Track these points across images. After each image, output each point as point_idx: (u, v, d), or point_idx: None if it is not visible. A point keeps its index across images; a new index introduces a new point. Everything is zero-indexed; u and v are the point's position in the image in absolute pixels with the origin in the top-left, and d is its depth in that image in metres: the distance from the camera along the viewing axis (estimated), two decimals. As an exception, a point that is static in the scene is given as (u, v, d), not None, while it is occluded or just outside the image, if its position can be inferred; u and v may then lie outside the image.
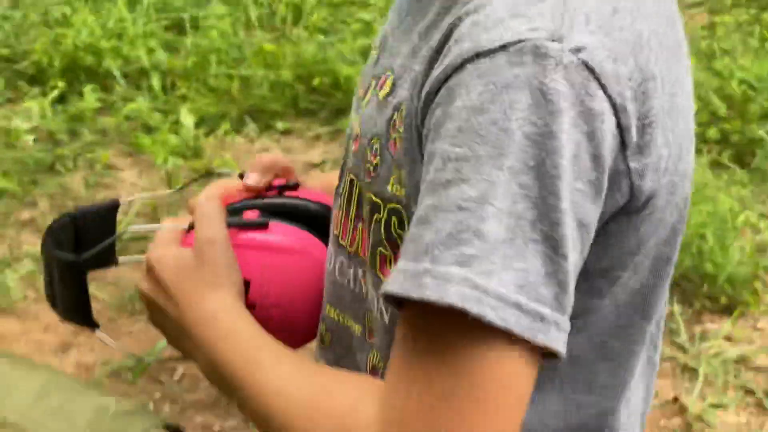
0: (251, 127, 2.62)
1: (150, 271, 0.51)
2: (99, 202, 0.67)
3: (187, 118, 2.61)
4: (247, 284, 0.53)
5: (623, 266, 0.45)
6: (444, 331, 0.37)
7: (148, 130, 2.59)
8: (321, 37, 3.01)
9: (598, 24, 0.40)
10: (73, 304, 0.65)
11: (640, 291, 0.47)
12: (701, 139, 2.27)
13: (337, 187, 0.56)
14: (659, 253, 0.47)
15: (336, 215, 0.55)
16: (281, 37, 3.00)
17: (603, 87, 0.38)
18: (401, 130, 0.45)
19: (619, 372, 0.50)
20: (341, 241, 0.54)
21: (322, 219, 0.58)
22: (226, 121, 2.63)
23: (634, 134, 0.40)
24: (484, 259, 0.36)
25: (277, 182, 0.61)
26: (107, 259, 0.63)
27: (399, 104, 0.46)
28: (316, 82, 2.70)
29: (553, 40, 0.38)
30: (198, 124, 2.62)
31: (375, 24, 2.94)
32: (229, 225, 0.54)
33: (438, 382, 0.37)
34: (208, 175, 2.02)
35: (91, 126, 2.67)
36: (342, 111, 2.62)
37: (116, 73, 2.77)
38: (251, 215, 0.59)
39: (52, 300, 0.66)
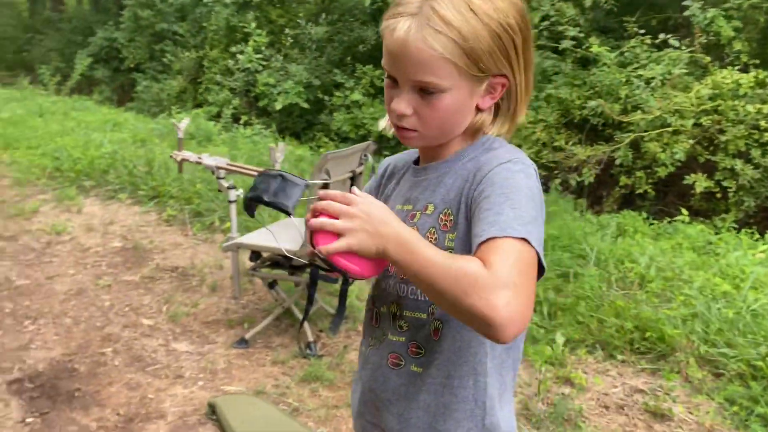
0: (599, 354, 3.38)
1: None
2: (299, 177, 1.40)
3: (559, 338, 3.42)
4: None
5: None
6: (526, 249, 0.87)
7: (534, 340, 3.46)
8: (656, 301, 3.74)
9: (508, 147, 1.05)
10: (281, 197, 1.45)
11: None
12: None
13: None
14: None
15: None
16: (628, 295, 3.83)
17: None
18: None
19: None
20: None
21: None
22: (583, 346, 3.44)
23: None
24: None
25: None
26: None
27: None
28: (647, 334, 3.40)
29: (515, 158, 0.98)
30: (565, 344, 3.40)
31: (695, 301, 3.64)
32: None
33: (523, 263, 0.85)
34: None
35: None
36: (664, 356, 3.35)
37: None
38: None
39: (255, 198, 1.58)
